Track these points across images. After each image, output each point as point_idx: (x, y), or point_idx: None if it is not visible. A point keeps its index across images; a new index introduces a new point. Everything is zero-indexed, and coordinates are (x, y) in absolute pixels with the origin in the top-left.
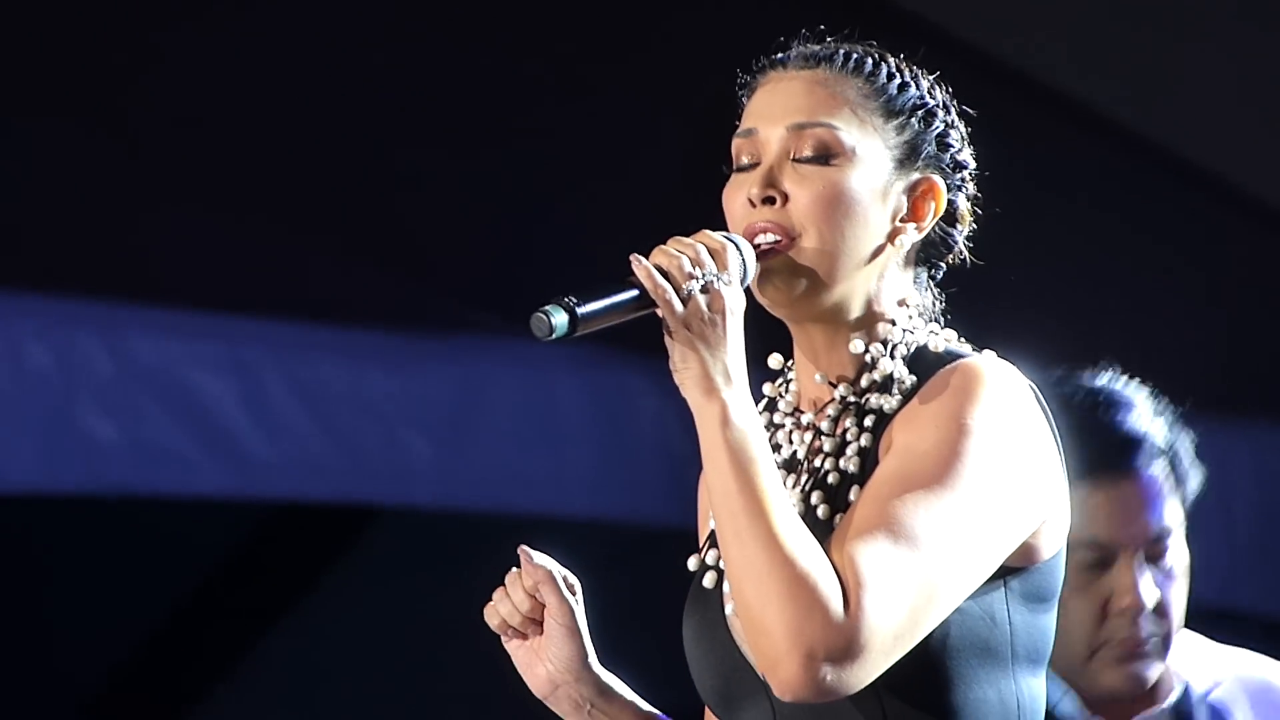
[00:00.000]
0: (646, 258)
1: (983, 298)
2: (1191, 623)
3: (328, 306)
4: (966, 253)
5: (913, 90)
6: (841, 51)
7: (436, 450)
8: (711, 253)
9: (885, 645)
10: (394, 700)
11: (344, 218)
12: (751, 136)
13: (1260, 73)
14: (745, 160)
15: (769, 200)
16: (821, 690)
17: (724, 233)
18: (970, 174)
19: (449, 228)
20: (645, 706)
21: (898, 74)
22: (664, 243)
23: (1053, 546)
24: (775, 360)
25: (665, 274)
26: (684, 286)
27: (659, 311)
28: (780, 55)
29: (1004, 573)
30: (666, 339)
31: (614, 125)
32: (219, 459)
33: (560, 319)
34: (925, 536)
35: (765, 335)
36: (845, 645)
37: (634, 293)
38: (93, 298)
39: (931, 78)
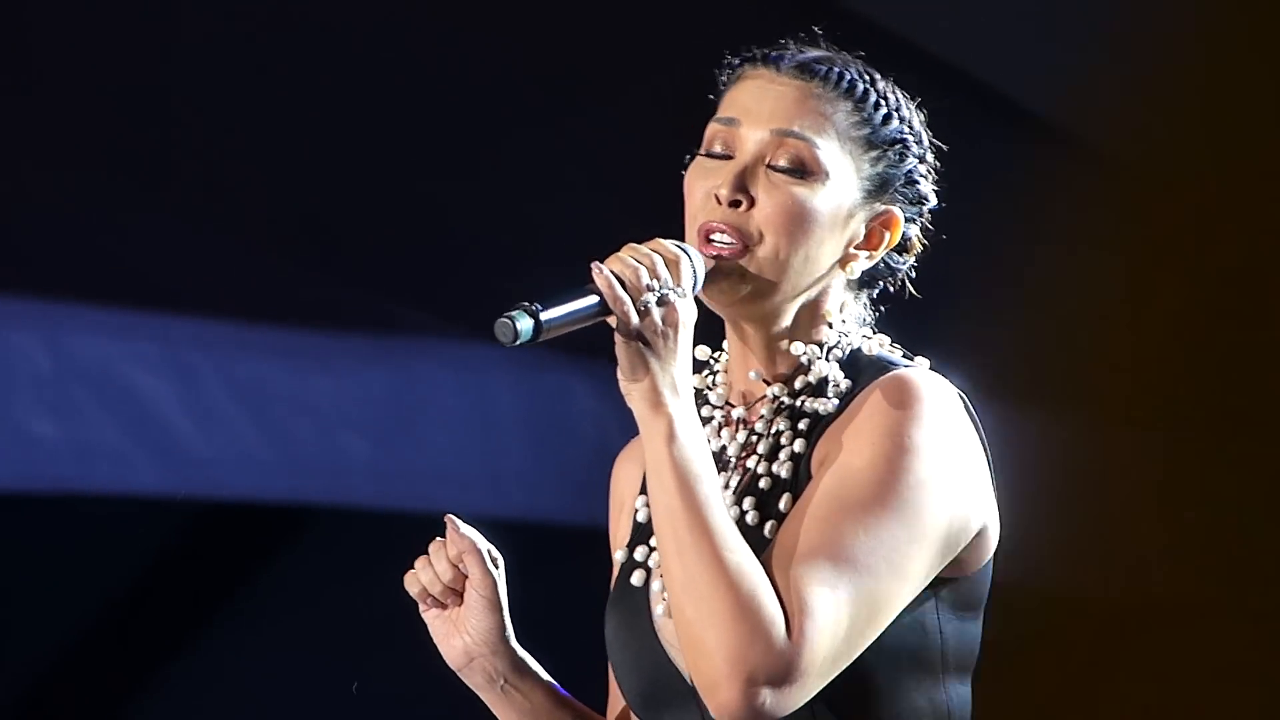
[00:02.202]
0: (604, 263)
1: (921, 308)
2: None
3: (265, 306)
4: (909, 284)
5: (895, 124)
6: (837, 71)
7: (374, 450)
8: (667, 264)
9: (825, 669)
10: (330, 699)
11: (282, 218)
12: (732, 127)
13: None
14: (718, 149)
15: (736, 203)
16: (759, 714)
17: (676, 242)
18: (928, 208)
19: (387, 228)
20: (558, 688)
21: (885, 104)
22: (619, 249)
23: (983, 557)
24: (702, 352)
25: (623, 283)
26: (641, 298)
27: (612, 321)
28: (776, 54)
29: (936, 583)
30: (618, 348)
31: (551, 128)
32: (156, 457)
33: (525, 324)
34: (865, 558)
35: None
36: (786, 670)
37: (596, 300)
38: (31, 296)
39: (914, 105)
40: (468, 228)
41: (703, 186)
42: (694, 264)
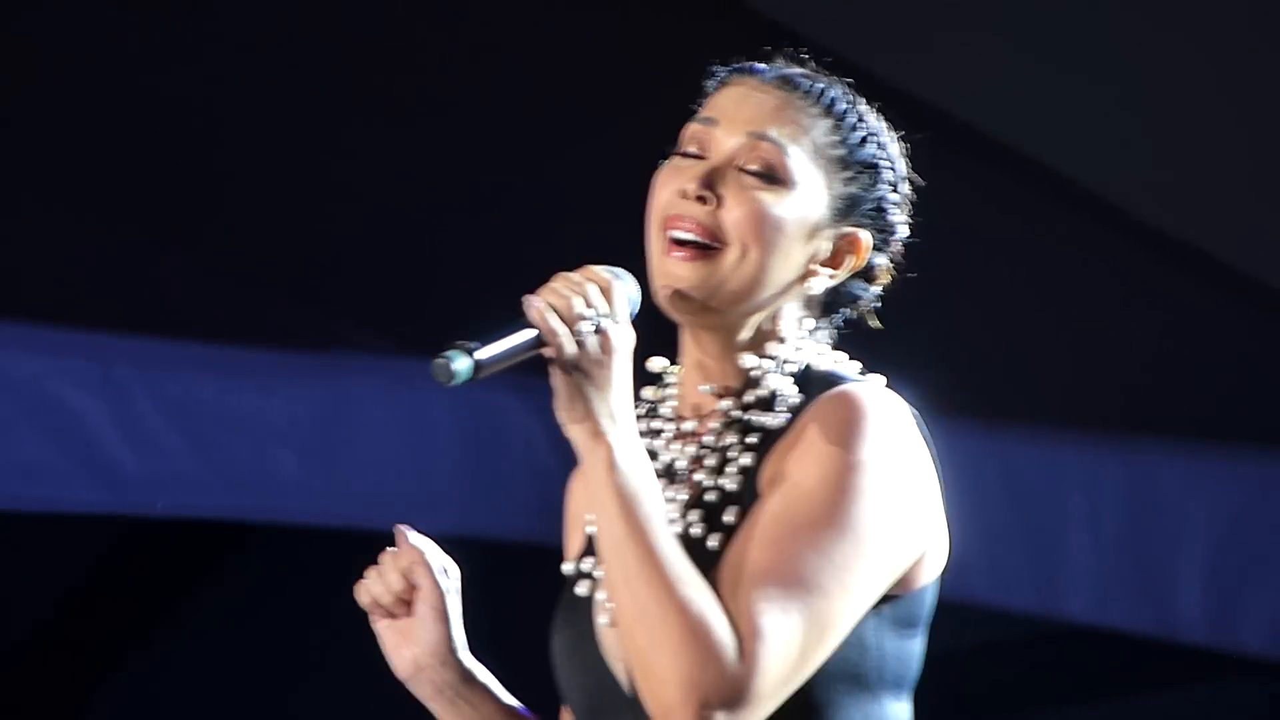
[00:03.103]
0: (537, 295)
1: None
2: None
3: (198, 322)
4: (873, 316)
5: (871, 149)
6: (820, 87)
7: (305, 467)
8: (601, 291)
9: (777, 690)
10: (263, 712)
11: (216, 234)
12: (709, 126)
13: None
14: (693, 149)
15: (703, 199)
16: None
17: (609, 268)
18: (897, 241)
19: (321, 244)
20: (508, 699)
21: (863, 127)
22: (551, 280)
23: (930, 575)
24: (657, 364)
25: (558, 313)
26: (576, 329)
27: (549, 352)
28: (763, 66)
29: (879, 600)
30: (554, 379)
31: (485, 143)
32: (88, 474)
33: (462, 365)
34: (815, 580)
35: (649, 338)
36: (739, 694)
37: (531, 335)
38: None
39: (895, 138)
40: (402, 244)
41: (671, 183)
42: (628, 289)
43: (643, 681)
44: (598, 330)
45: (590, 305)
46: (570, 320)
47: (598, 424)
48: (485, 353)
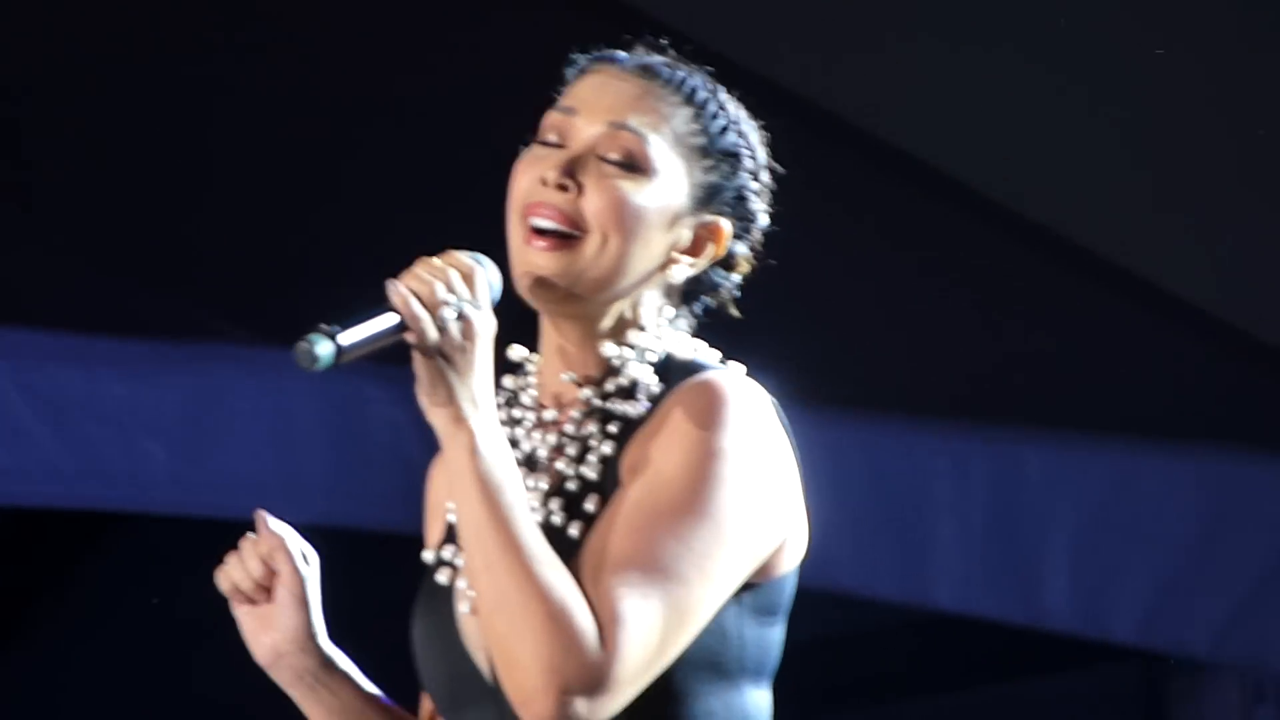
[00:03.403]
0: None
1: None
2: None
3: (63, 313)
4: (732, 304)
5: (732, 137)
6: (681, 76)
7: (173, 457)
8: (463, 276)
9: (638, 677)
10: (130, 705)
11: (80, 222)
12: (569, 116)
13: (1011, 79)
14: (552, 137)
15: (563, 186)
16: None
17: (471, 254)
18: (759, 230)
19: (186, 234)
20: (367, 686)
21: (723, 116)
22: (413, 265)
23: (790, 563)
24: (517, 352)
25: (420, 299)
26: (438, 314)
27: (410, 338)
28: (623, 55)
29: (739, 588)
30: (416, 365)
31: (345, 132)
32: None
33: (324, 349)
34: (676, 567)
35: (509, 326)
36: (600, 681)
37: (394, 320)
38: None
39: (757, 129)
40: (267, 233)
41: (531, 171)
42: (490, 275)
43: (503, 669)
44: (460, 316)
45: (452, 291)
46: (432, 306)
47: (459, 409)
48: (348, 337)
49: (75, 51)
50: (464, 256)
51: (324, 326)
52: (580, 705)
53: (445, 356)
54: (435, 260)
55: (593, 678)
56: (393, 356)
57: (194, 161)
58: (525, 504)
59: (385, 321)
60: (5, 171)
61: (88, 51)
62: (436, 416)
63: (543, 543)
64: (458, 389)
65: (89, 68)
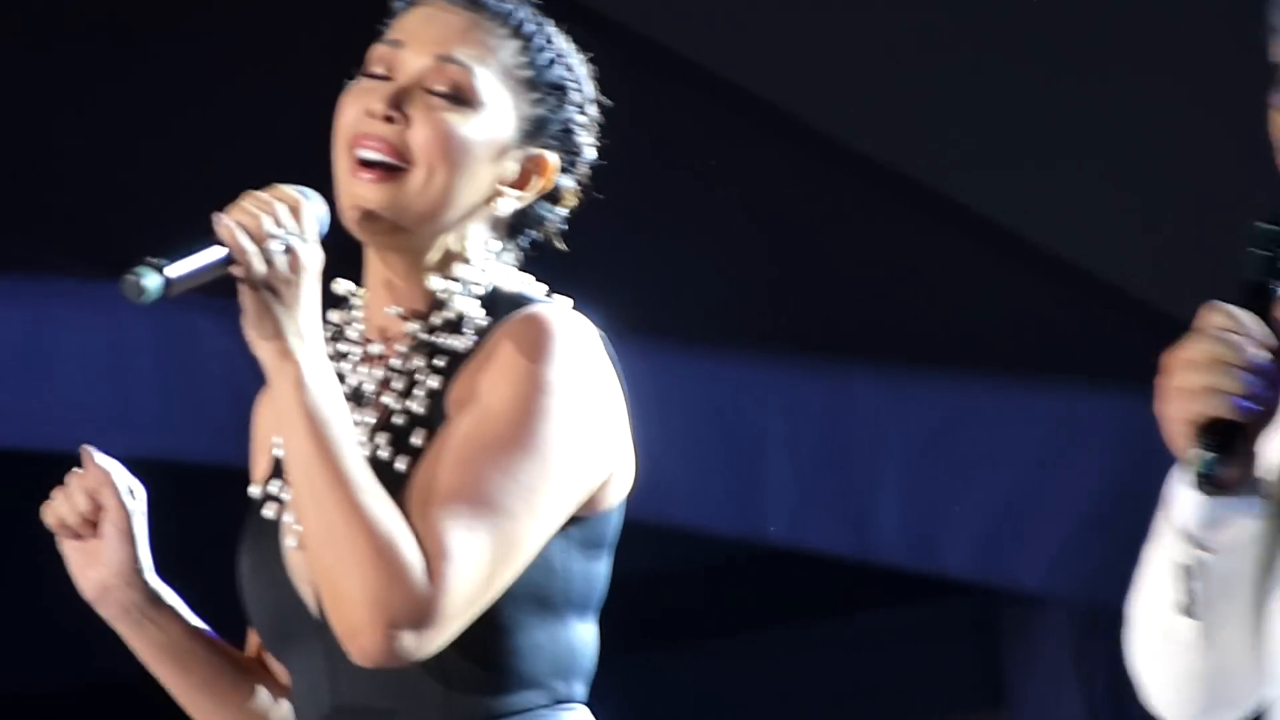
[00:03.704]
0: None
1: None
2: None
3: None
4: (559, 238)
5: (559, 71)
6: (509, 8)
7: (3, 390)
8: (290, 210)
9: (465, 610)
10: None
11: None
12: (396, 49)
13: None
14: (379, 70)
15: (390, 118)
16: (400, 657)
17: (298, 187)
18: (586, 164)
19: (16, 167)
20: (194, 621)
21: (550, 50)
22: (240, 199)
23: (616, 497)
24: (343, 286)
25: (247, 231)
26: (265, 247)
27: (237, 271)
28: None
29: (565, 522)
30: (243, 298)
31: (171, 64)
32: None
33: (152, 282)
34: (502, 500)
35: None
36: (426, 614)
37: (222, 253)
38: None
39: (585, 62)
40: (94, 166)
41: (358, 103)
42: (316, 209)
43: (330, 602)
44: (286, 249)
45: (279, 224)
46: (259, 239)
47: (286, 343)
48: (175, 270)
49: None
50: (291, 190)
51: (151, 259)
52: (407, 639)
53: (272, 290)
54: (262, 194)
55: (419, 611)
56: (225, 289)
57: (24, 99)
58: (353, 438)
59: (212, 254)
60: None
61: None
62: (263, 350)
63: (370, 477)
64: (284, 322)
65: None
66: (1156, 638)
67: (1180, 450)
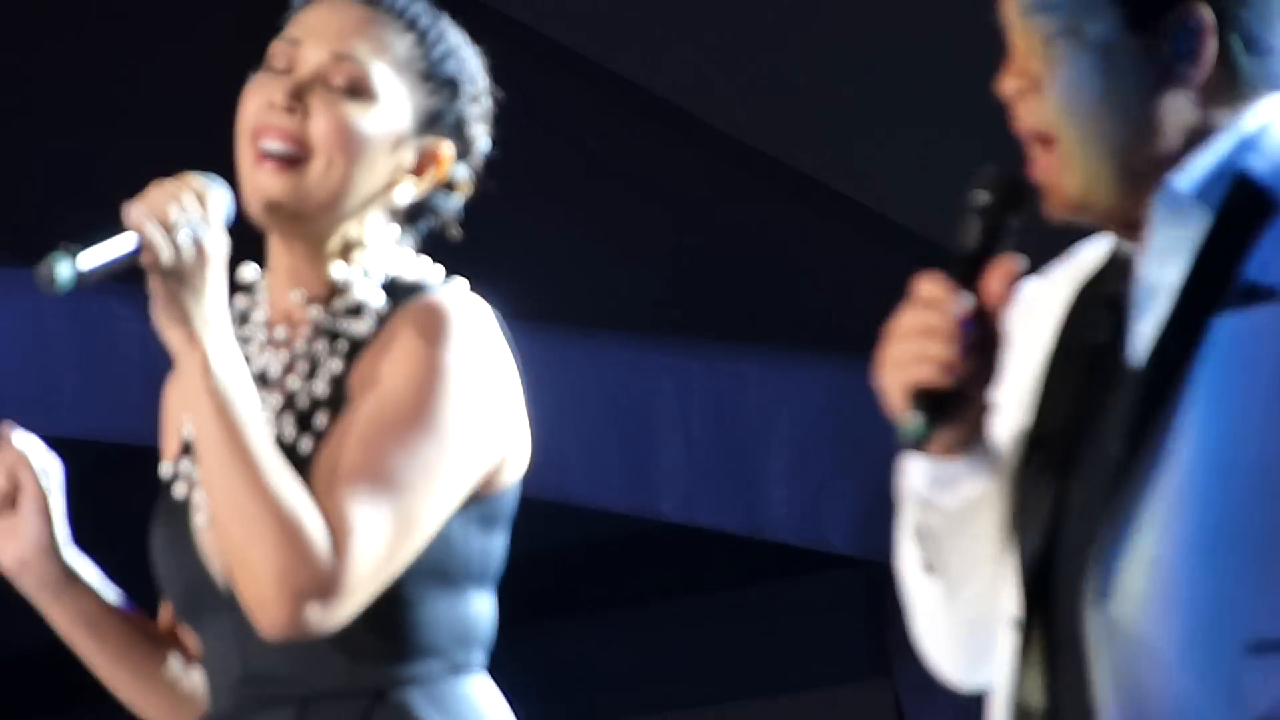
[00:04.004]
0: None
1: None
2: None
3: None
4: (455, 225)
5: (452, 64)
6: (404, 4)
7: None
8: (197, 199)
9: (368, 583)
10: None
11: None
12: (294, 45)
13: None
14: (279, 65)
15: (291, 110)
16: (307, 629)
17: (204, 175)
18: (480, 153)
19: None
20: (109, 594)
21: (444, 43)
22: (148, 188)
23: (512, 476)
24: (249, 273)
25: (156, 221)
26: (173, 235)
27: (147, 259)
28: None
29: (465, 500)
30: (152, 284)
31: (82, 56)
32: None
33: (65, 271)
34: (402, 478)
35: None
36: (331, 587)
37: (134, 242)
38: None
39: (475, 52)
40: (7, 157)
41: (259, 96)
42: (222, 197)
43: (239, 576)
44: (193, 237)
45: (186, 213)
46: (167, 227)
47: (193, 328)
48: (87, 260)
49: None
50: (197, 179)
51: (65, 247)
52: (313, 611)
53: (180, 277)
54: (170, 183)
55: (325, 584)
56: (141, 275)
57: None
58: (259, 419)
59: (124, 244)
60: None
61: None
62: (172, 335)
63: (276, 457)
64: (191, 308)
65: None
66: (915, 597)
67: (896, 417)
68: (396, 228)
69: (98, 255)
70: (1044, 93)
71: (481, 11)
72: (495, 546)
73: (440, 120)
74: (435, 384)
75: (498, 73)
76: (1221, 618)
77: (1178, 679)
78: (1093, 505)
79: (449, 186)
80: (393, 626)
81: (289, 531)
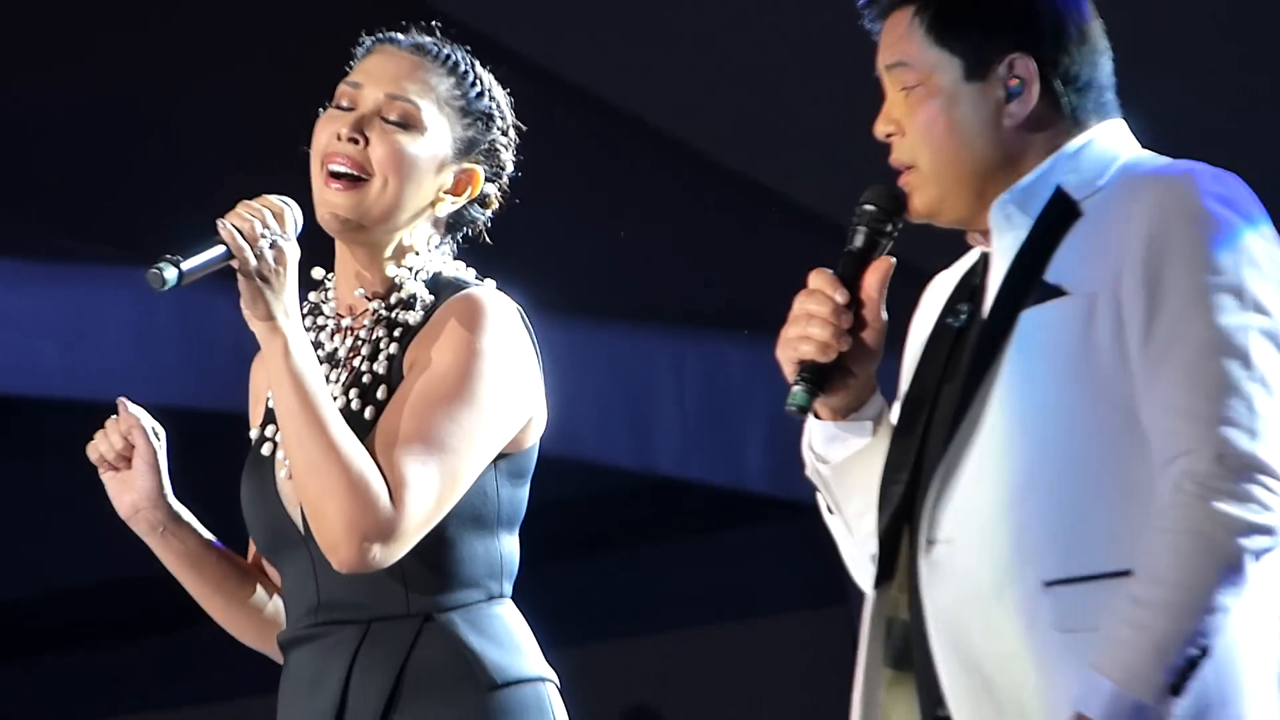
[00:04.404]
0: (227, 219)
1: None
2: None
3: None
4: (485, 232)
5: (486, 101)
6: (445, 52)
7: (61, 355)
8: (275, 215)
9: (421, 527)
10: (12, 566)
11: None
12: (356, 88)
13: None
14: (344, 103)
15: (354, 140)
16: (371, 566)
17: (281, 197)
18: (506, 175)
19: (66, 174)
20: (207, 534)
21: (479, 84)
22: (236, 206)
23: (534, 438)
24: (318, 272)
25: (242, 233)
26: (257, 245)
27: (235, 264)
28: (400, 36)
29: (496, 457)
30: (240, 285)
31: (210, 71)
32: None
33: (170, 274)
34: (447, 440)
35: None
36: (391, 531)
37: (222, 249)
38: None
39: (505, 94)
40: (122, 177)
41: (328, 129)
42: (295, 214)
43: (314, 523)
44: (273, 246)
45: (267, 226)
46: (252, 239)
47: (274, 319)
48: (187, 265)
49: None
50: (274, 199)
51: (169, 256)
52: (376, 550)
53: (263, 278)
54: (253, 202)
55: (386, 528)
56: (231, 276)
57: (46, 114)
58: (328, 393)
59: (215, 251)
60: None
61: None
62: (257, 326)
63: (343, 424)
64: (273, 304)
65: None
66: (831, 531)
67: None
68: (438, 235)
69: (195, 261)
70: (905, 134)
71: (509, 57)
72: (521, 496)
73: (475, 148)
74: (473, 364)
75: (521, 107)
76: (1024, 561)
77: (987, 610)
78: (932, 461)
79: (482, 202)
80: (439, 562)
81: (356, 486)
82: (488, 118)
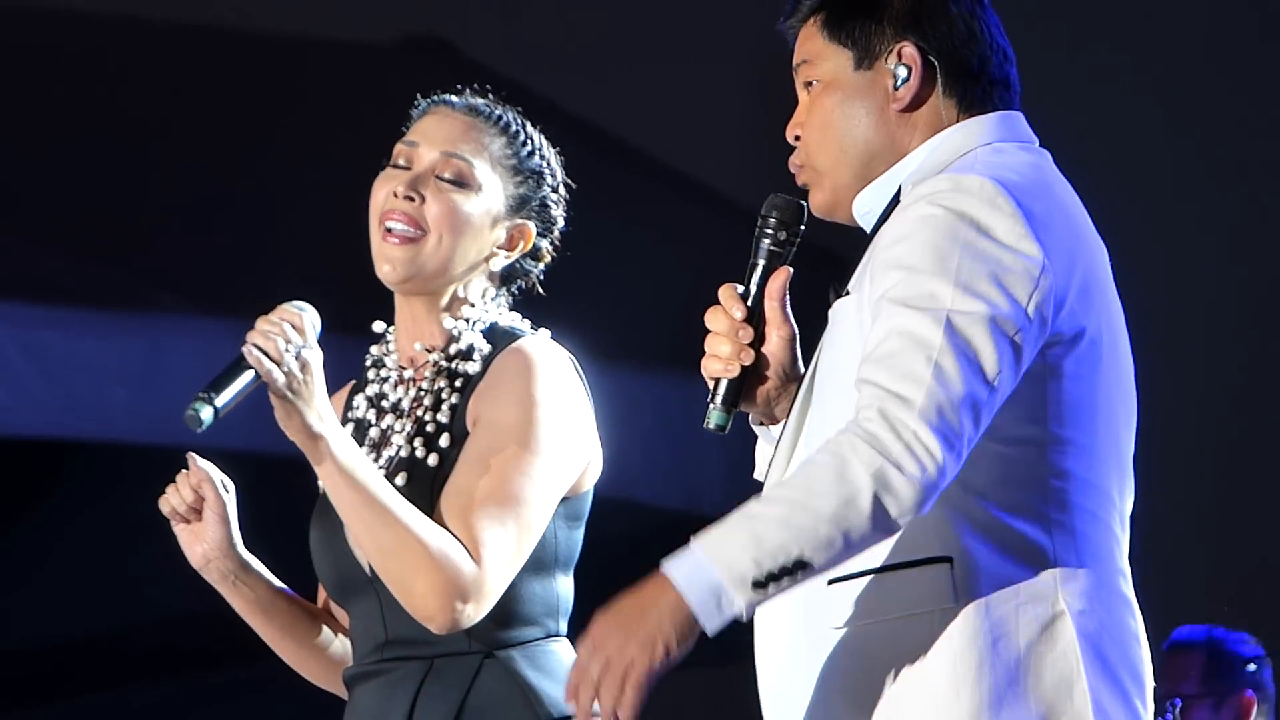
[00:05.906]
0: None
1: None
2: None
3: (48, 290)
4: (539, 284)
5: (536, 160)
6: (498, 113)
7: (130, 401)
8: (295, 327)
9: (505, 580)
10: (89, 593)
11: (61, 222)
12: (413, 147)
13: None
14: (401, 162)
15: (410, 198)
16: (468, 624)
17: (297, 303)
18: (557, 229)
19: (144, 227)
20: (276, 582)
21: (530, 144)
22: (257, 323)
23: (590, 482)
24: (379, 326)
25: (268, 354)
26: (283, 364)
27: (265, 383)
28: (454, 98)
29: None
30: (273, 400)
31: (282, 134)
32: None
33: (206, 413)
34: (517, 494)
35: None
36: (480, 590)
37: (252, 374)
38: None
39: (554, 151)
40: (209, 222)
41: (386, 187)
42: (313, 318)
43: (406, 599)
44: (298, 357)
45: (289, 341)
46: (278, 358)
47: (310, 427)
48: (221, 400)
49: (24, 35)
50: (291, 307)
51: (202, 394)
52: (470, 610)
53: (293, 391)
54: (271, 317)
55: (475, 590)
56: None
57: (145, 173)
58: (381, 478)
59: (245, 378)
60: (9, 179)
61: (38, 35)
62: (295, 435)
63: (404, 502)
64: (306, 414)
65: (39, 51)
66: None
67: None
68: (493, 288)
69: (227, 394)
70: (804, 135)
71: (560, 117)
72: (577, 538)
73: (527, 204)
74: (534, 413)
75: (570, 163)
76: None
77: (780, 610)
78: (779, 457)
79: (535, 256)
80: (500, 602)
81: (438, 559)
82: (539, 175)
